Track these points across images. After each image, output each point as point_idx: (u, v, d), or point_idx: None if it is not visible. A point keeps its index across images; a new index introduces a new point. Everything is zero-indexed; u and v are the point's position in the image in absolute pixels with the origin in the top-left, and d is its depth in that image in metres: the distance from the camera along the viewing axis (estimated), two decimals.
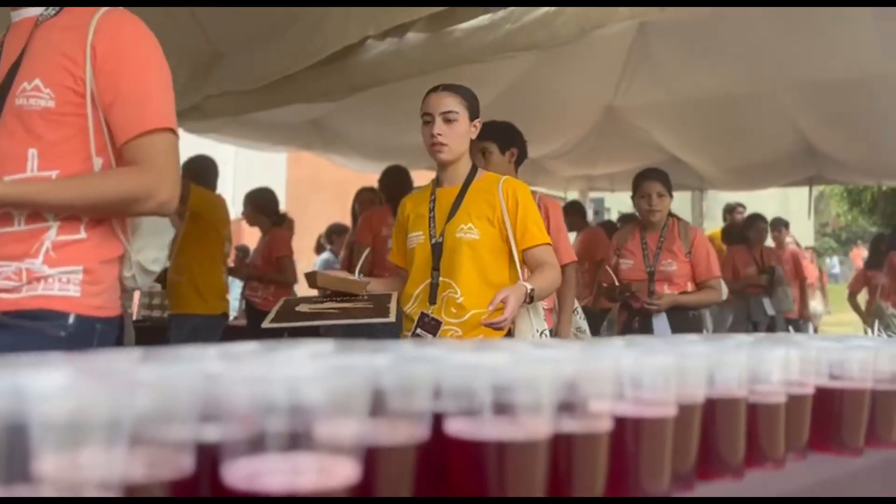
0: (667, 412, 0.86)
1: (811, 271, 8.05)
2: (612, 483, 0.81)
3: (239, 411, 0.59)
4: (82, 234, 1.66)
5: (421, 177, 6.49)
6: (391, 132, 6.33)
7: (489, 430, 0.70)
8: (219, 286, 4.58)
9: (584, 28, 3.24)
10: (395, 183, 4.97)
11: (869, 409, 1.18)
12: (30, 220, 1.61)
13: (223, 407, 0.59)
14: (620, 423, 0.82)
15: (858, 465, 1.14)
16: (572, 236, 7.03)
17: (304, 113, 5.62)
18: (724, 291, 3.98)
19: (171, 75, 2.18)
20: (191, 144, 6.92)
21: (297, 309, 2.33)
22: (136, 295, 6.14)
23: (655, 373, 0.86)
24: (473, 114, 2.51)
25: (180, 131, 5.49)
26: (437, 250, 2.44)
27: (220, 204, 4.64)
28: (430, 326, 2.41)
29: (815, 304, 7.90)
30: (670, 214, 3.84)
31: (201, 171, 4.67)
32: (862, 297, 6.94)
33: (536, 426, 0.72)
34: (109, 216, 1.71)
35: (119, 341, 1.80)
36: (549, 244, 2.49)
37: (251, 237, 10.82)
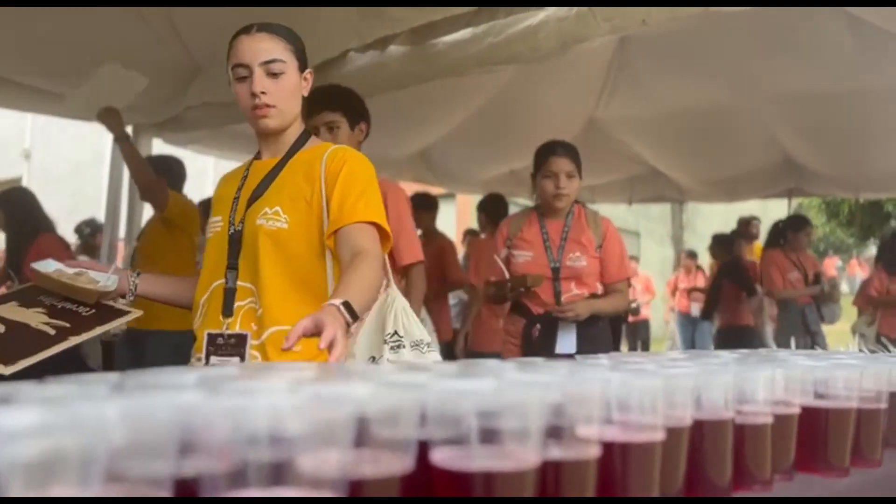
0: (655, 437, 0.85)
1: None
2: None
3: (218, 444, 0.57)
4: None
5: (407, 189, 6.48)
6: (372, 144, 6.29)
7: (477, 460, 0.69)
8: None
9: (565, 42, 3.24)
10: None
11: (854, 428, 1.17)
12: None
13: (202, 440, 0.57)
14: (609, 448, 0.80)
15: (845, 485, 1.14)
16: None
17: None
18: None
19: (153, 86, 2.15)
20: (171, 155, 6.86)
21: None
22: None
23: (643, 396, 0.85)
24: (303, 62, 1.96)
25: (159, 142, 5.45)
26: (234, 243, 1.82)
27: (196, 212, 4.33)
28: (230, 348, 1.75)
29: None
30: (576, 200, 3.19)
31: (170, 172, 4.34)
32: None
33: (524, 455, 0.70)
34: None
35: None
36: (371, 223, 1.79)
37: None
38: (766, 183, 6.93)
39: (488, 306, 4.68)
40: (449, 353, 5.17)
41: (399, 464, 0.67)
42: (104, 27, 3.86)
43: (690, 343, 8.99)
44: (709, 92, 5.57)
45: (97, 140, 13.94)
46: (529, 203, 11.33)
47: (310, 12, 3.69)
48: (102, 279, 1.88)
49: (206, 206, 4.89)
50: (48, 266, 1.90)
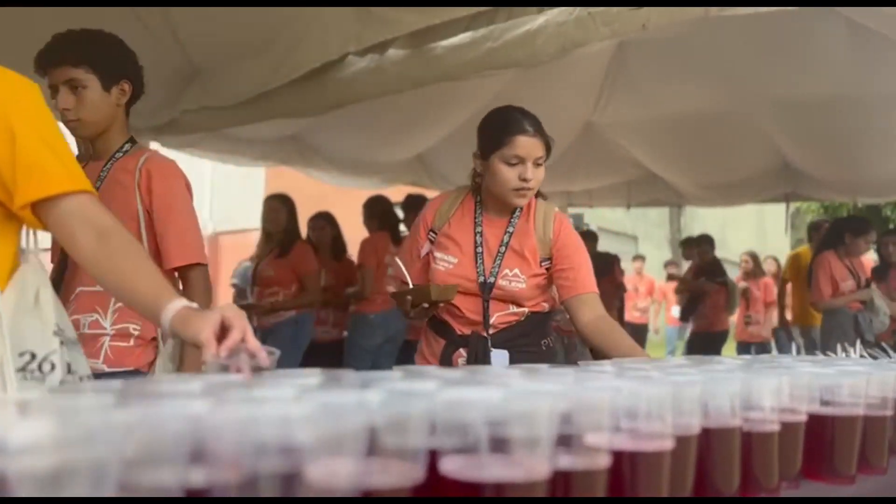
0: (665, 445, 0.84)
1: None
2: None
3: (228, 454, 0.56)
4: None
5: (400, 192, 6.46)
6: (370, 148, 6.31)
7: (487, 469, 0.68)
8: None
9: (564, 47, 3.23)
10: (386, 213, 5.54)
11: (861, 436, 1.17)
12: None
13: (211, 450, 0.57)
14: (618, 457, 0.80)
15: (851, 492, 1.13)
16: None
17: (282, 128, 5.59)
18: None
19: (150, 90, 2.14)
20: None
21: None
22: None
23: (652, 404, 0.84)
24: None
25: (157, 145, 5.45)
26: None
27: None
28: None
29: None
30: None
31: None
32: None
33: (535, 464, 0.70)
34: None
35: None
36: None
37: (228, 254, 10.71)
38: (764, 187, 6.94)
39: None
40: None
41: (409, 473, 0.66)
42: (101, 29, 3.85)
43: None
44: (706, 96, 5.58)
45: None
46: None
47: (308, 15, 3.69)
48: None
49: None
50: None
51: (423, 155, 6.80)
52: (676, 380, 0.94)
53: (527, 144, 2.22)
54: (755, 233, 19.15)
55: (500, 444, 0.70)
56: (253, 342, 1.24)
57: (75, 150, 1.86)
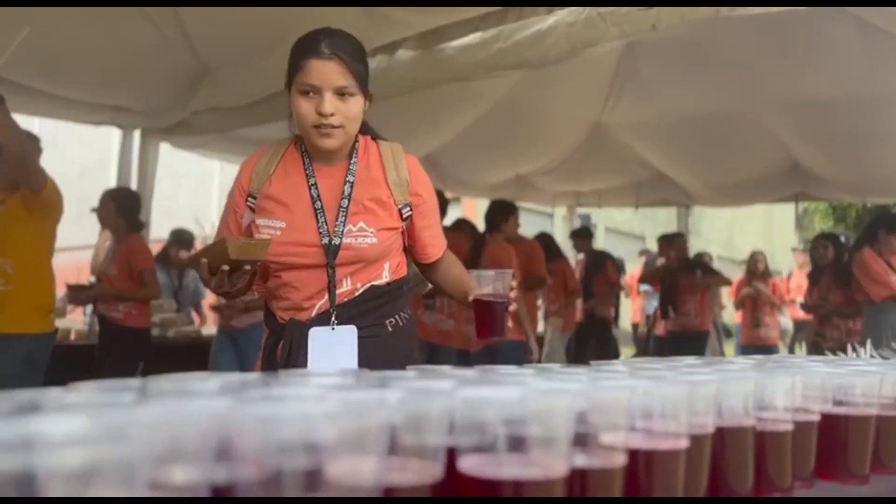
0: (680, 444, 0.84)
1: None
2: None
3: (252, 452, 0.57)
4: None
5: None
6: None
7: (505, 468, 0.68)
8: (52, 298, 3.58)
9: (574, 47, 3.24)
10: None
11: (874, 436, 1.17)
12: None
13: (236, 448, 0.57)
14: (634, 456, 0.80)
15: (865, 492, 1.13)
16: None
17: (290, 129, 5.60)
18: None
19: (161, 91, 2.14)
20: (177, 159, 6.91)
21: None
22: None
23: (668, 404, 0.84)
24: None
25: (167, 146, 5.48)
26: None
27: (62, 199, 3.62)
28: None
29: None
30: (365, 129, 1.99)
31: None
32: None
33: (552, 463, 0.70)
34: None
35: None
36: None
37: None
38: (773, 188, 6.93)
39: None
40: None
41: (428, 471, 0.67)
42: (112, 31, 3.87)
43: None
44: (715, 96, 5.57)
45: (104, 143, 14.01)
46: (537, 208, 11.34)
47: (317, 16, 3.70)
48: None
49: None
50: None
51: (432, 155, 6.80)
52: (691, 379, 0.95)
53: (322, 70, 1.78)
54: (763, 233, 19.10)
55: (517, 443, 0.70)
56: None
57: None
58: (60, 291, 4.23)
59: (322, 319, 1.84)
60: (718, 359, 1.48)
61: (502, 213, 5.23)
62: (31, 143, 3.53)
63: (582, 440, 0.76)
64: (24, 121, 3.51)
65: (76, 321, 5.64)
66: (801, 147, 6.22)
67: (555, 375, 1.00)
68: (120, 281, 4.47)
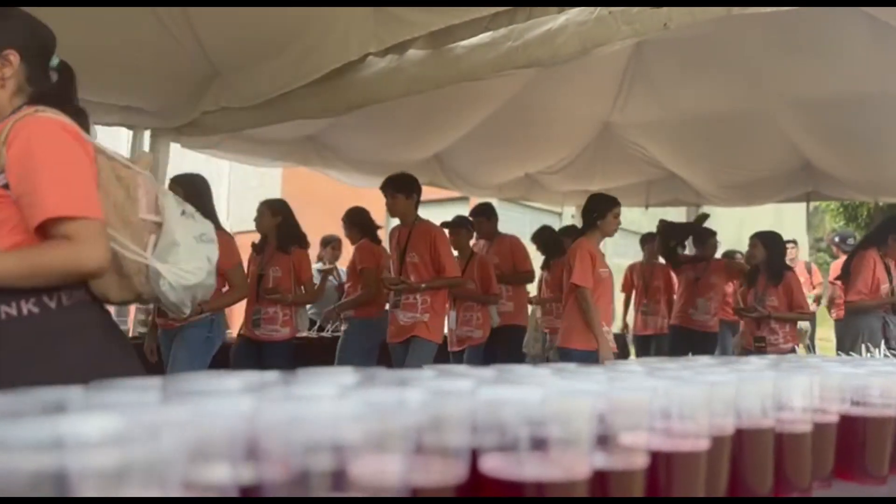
0: (700, 445, 0.84)
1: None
2: None
3: (278, 452, 0.57)
4: None
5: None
6: (387, 148, 6.33)
7: (528, 469, 0.69)
8: None
9: (585, 46, 3.23)
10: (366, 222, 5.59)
11: (893, 436, 1.17)
12: None
13: (262, 447, 0.58)
14: (656, 457, 0.80)
15: (884, 493, 1.13)
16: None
17: (300, 129, 5.62)
18: None
19: (171, 91, 2.16)
20: (186, 159, 6.92)
21: None
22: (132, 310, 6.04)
23: (688, 404, 0.84)
24: None
25: (177, 147, 5.47)
26: None
27: None
28: None
29: None
30: None
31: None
32: None
33: (574, 463, 0.70)
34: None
35: None
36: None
37: (244, 254, 10.77)
38: (784, 187, 6.90)
39: None
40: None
41: (451, 471, 0.67)
42: (122, 32, 3.89)
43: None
44: (726, 95, 5.56)
45: (114, 143, 14.06)
46: (545, 207, 11.36)
47: (328, 16, 3.71)
48: None
49: None
50: None
51: (440, 154, 6.80)
52: (710, 379, 0.94)
53: None
54: None
55: (539, 444, 0.70)
56: None
57: None
58: None
59: None
60: (733, 358, 1.47)
61: (599, 209, 4.70)
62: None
63: (602, 441, 0.76)
64: None
65: None
66: (812, 146, 6.20)
67: (573, 375, 1.00)
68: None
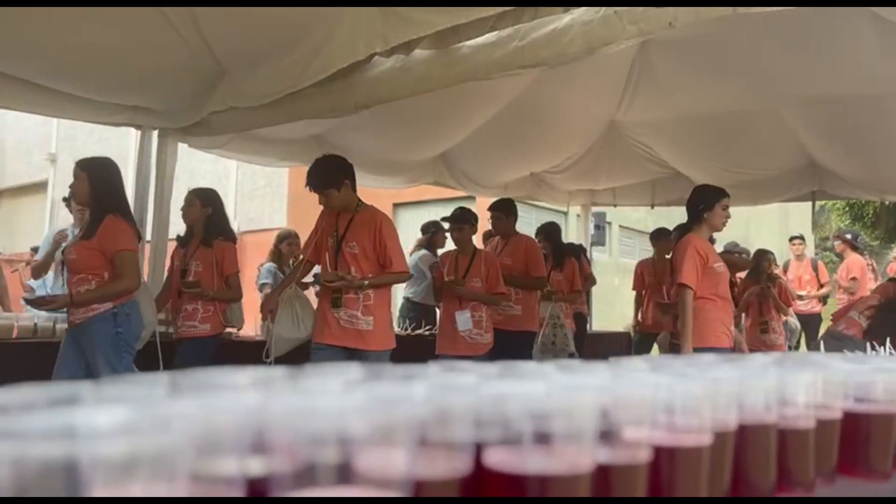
0: (703, 440, 0.85)
1: None
2: None
3: (286, 444, 0.58)
4: None
5: (426, 191, 6.45)
6: (394, 148, 6.34)
7: (531, 463, 0.69)
8: None
9: (591, 46, 3.23)
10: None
11: None
12: None
13: (270, 440, 0.59)
14: (658, 452, 0.81)
15: (887, 490, 1.13)
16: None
17: (307, 129, 5.64)
18: None
19: (178, 91, 2.18)
20: (194, 159, 6.94)
21: None
22: None
23: (692, 400, 0.85)
24: None
25: (184, 146, 5.49)
26: None
27: None
28: None
29: None
30: None
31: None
32: None
33: (578, 458, 0.71)
34: None
35: None
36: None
37: (251, 253, 10.82)
38: (790, 186, 6.90)
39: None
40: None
41: (456, 465, 0.68)
42: (130, 32, 3.91)
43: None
44: (731, 94, 5.55)
45: (122, 143, 14.14)
46: (551, 206, 11.34)
47: (334, 16, 3.72)
48: None
49: None
50: None
51: (446, 154, 6.81)
52: (713, 375, 0.95)
53: None
54: (779, 232, 19.00)
55: (543, 438, 0.71)
56: None
57: None
58: None
59: None
60: (738, 355, 1.48)
61: (707, 200, 4.36)
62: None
63: (606, 436, 0.77)
64: (43, 121, 3.54)
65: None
66: (818, 145, 6.19)
67: (577, 370, 1.00)
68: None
